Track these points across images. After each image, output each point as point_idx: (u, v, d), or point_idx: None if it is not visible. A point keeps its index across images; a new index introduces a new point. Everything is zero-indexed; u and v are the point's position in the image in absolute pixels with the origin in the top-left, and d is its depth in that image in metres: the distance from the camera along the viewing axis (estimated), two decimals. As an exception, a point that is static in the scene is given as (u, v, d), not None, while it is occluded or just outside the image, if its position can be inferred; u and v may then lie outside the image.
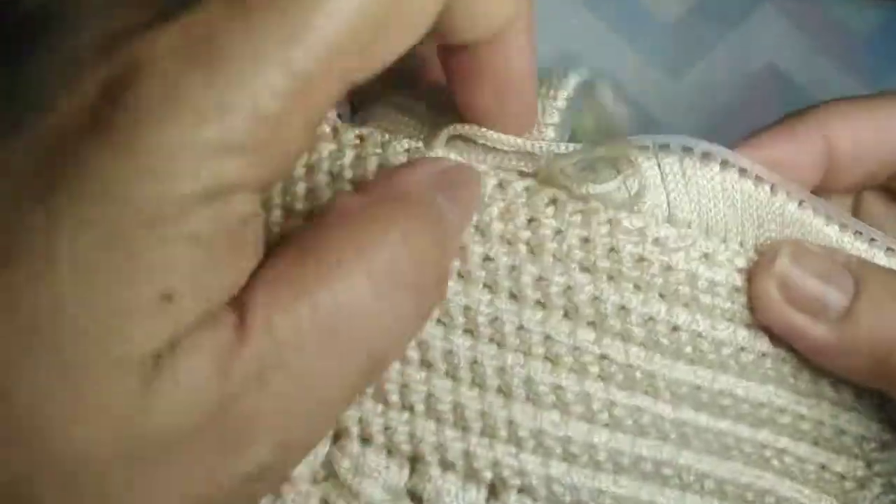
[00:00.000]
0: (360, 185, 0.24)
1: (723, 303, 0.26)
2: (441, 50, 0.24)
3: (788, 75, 0.39)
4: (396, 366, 0.25)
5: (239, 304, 0.18)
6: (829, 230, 0.27)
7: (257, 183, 0.19)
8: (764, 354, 0.27)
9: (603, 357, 0.26)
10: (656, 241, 0.25)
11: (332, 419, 0.23)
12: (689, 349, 0.26)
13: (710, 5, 0.40)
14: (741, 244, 0.26)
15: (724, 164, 0.26)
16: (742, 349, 0.26)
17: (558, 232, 0.25)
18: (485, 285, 0.25)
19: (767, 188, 0.26)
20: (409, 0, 0.19)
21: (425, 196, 0.22)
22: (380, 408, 0.25)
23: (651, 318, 0.25)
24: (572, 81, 0.27)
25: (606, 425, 0.26)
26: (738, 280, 0.26)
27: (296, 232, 0.21)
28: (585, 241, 0.25)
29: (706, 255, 0.26)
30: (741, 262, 0.26)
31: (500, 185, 0.25)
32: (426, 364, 0.25)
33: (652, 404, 0.26)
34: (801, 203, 0.27)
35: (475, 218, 0.25)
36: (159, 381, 0.17)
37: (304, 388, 0.19)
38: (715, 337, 0.26)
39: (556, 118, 0.26)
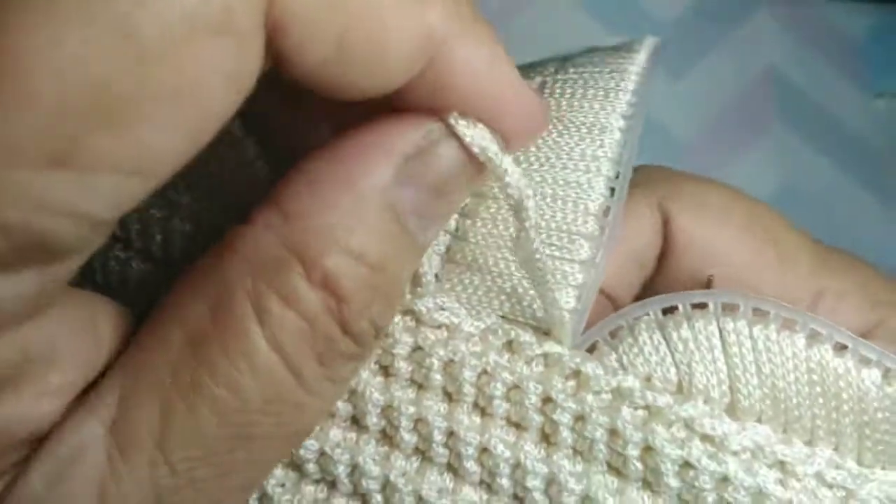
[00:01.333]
0: (274, 195, 0.16)
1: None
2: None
3: (786, 76, 0.39)
4: None
5: (110, 418, 0.15)
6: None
7: None
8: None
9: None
10: (709, 440, 0.18)
11: (248, 496, 0.19)
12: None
13: (708, 7, 0.40)
14: (836, 450, 0.19)
15: (814, 335, 0.19)
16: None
17: (579, 419, 0.19)
18: (482, 483, 0.19)
19: (878, 373, 0.19)
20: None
21: (376, 220, 0.16)
22: None
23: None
24: (603, 182, 0.20)
25: None
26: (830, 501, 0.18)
27: (181, 291, 0.16)
28: (613, 433, 0.19)
29: (782, 466, 0.19)
30: (836, 481, 0.18)
31: (510, 349, 0.19)
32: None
33: None
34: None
35: (472, 392, 0.19)
36: None
37: (210, 495, 0.16)
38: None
39: (590, 226, 0.20)
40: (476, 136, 0.16)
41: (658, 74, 0.38)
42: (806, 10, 0.39)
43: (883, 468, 0.19)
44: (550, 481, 0.19)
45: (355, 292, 0.16)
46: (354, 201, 0.16)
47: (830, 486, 0.18)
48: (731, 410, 0.19)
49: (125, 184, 0.13)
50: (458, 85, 0.16)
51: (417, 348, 0.19)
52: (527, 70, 0.22)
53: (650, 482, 0.19)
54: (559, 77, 0.21)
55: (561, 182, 0.20)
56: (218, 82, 0.13)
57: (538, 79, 0.21)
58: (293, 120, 0.19)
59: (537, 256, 0.18)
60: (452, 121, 0.16)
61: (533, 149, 0.20)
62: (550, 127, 0.20)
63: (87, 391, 0.16)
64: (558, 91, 0.21)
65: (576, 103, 0.21)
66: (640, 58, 0.22)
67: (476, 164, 0.17)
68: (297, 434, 0.17)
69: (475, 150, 0.16)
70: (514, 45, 0.19)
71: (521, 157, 0.20)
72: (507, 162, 0.17)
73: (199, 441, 0.15)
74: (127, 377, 0.16)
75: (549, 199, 0.20)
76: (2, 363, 0.14)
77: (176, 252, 0.19)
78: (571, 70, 0.21)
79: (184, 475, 0.15)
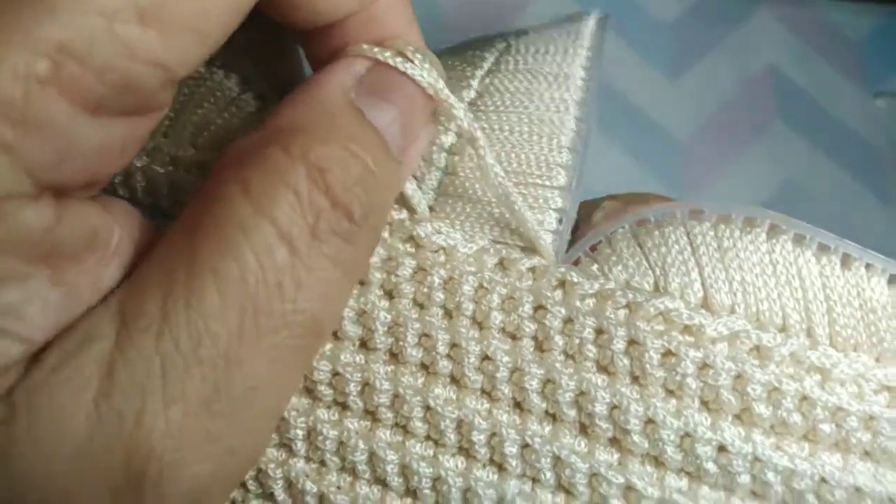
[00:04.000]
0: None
1: (789, 416, 0.20)
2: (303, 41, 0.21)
3: (786, 76, 0.39)
4: (370, 492, 0.20)
5: (120, 302, 0.16)
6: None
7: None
8: (859, 490, 0.20)
9: (629, 488, 0.20)
10: (688, 331, 0.20)
11: (277, 411, 0.19)
12: (745, 478, 0.20)
13: (708, 7, 0.40)
14: (808, 334, 0.20)
15: (774, 230, 0.21)
16: (824, 481, 0.20)
17: (568, 321, 0.20)
18: (483, 392, 0.20)
19: (836, 261, 0.20)
20: None
21: (339, 115, 0.18)
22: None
23: (688, 435, 0.20)
24: (573, 113, 0.22)
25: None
26: (810, 386, 0.20)
27: (186, 204, 0.17)
28: (600, 332, 0.20)
29: (758, 350, 0.20)
30: (810, 360, 0.20)
31: (502, 266, 0.21)
32: (410, 493, 0.20)
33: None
34: (885, 274, 0.20)
35: (471, 307, 0.20)
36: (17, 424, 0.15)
37: (230, 388, 0.16)
38: (778, 464, 0.19)
39: (561, 178, 0.22)
40: (426, 72, 0.19)
41: (657, 74, 0.40)
42: (806, 10, 0.40)
43: (855, 351, 0.20)
44: (546, 381, 0.20)
45: (334, 164, 0.17)
46: (321, 100, 0.18)
47: (806, 367, 0.20)
48: (706, 306, 0.20)
49: (191, 41, 0.16)
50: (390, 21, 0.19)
51: (419, 269, 0.21)
52: (489, 39, 0.25)
53: (637, 376, 0.20)
54: (521, 39, 0.24)
55: (536, 121, 0.22)
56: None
57: (502, 43, 0.24)
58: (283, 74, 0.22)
59: (498, 181, 0.20)
60: (408, 54, 0.19)
61: (507, 94, 0.23)
62: (521, 76, 0.23)
63: None
64: (523, 48, 0.24)
65: (540, 57, 0.24)
66: (591, 22, 0.24)
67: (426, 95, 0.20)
68: (308, 323, 0.17)
69: (424, 84, 0.19)
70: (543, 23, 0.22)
71: (499, 100, 0.23)
72: (452, 98, 0.20)
73: (201, 315, 0.16)
74: (134, 272, 0.17)
75: (526, 136, 0.22)
76: (77, 233, 0.16)
77: (162, 195, 0.22)
78: (532, 34, 0.24)
79: (189, 353, 0.16)
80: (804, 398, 0.20)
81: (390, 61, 0.19)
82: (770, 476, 0.19)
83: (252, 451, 0.18)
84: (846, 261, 0.20)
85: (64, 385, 0.15)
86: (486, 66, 0.24)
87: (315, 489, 0.21)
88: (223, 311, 0.16)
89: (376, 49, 0.19)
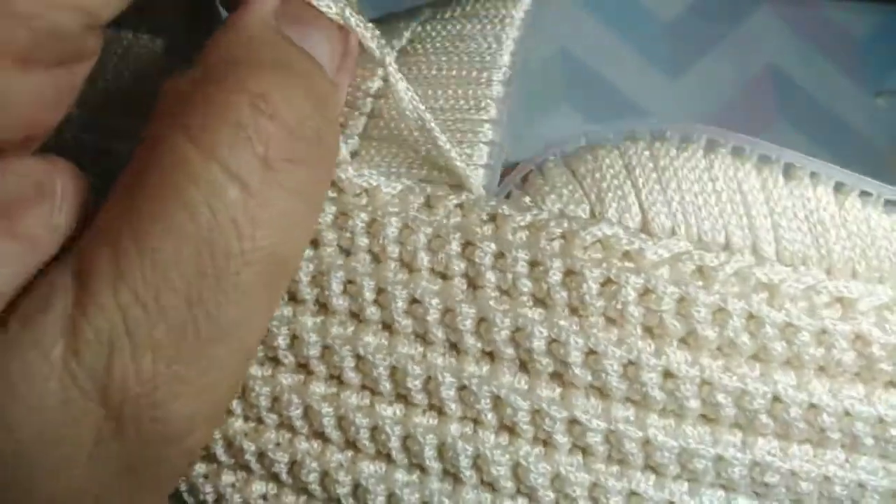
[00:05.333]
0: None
1: (737, 336, 0.19)
2: None
3: (787, 75, 0.39)
4: (310, 446, 0.20)
5: (74, 262, 0.16)
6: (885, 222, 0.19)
7: None
8: (815, 406, 0.19)
9: (573, 422, 0.19)
10: (627, 256, 0.19)
11: (250, 347, 0.18)
12: (694, 403, 0.19)
13: (709, 5, 0.40)
14: (754, 251, 0.19)
15: (712, 145, 0.20)
16: (777, 400, 0.19)
17: (500, 256, 0.19)
18: (416, 336, 0.20)
19: (778, 171, 0.19)
20: None
21: (268, 42, 0.17)
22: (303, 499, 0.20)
23: (632, 363, 0.19)
24: (507, 50, 0.21)
25: (596, 516, 0.19)
26: (757, 303, 0.19)
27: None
28: (534, 265, 0.19)
29: (701, 271, 0.19)
30: (756, 277, 0.19)
31: (428, 204, 0.20)
32: (350, 445, 0.20)
33: (644, 481, 0.19)
34: (837, 186, 0.19)
35: (396, 250, 0.20)
36: None
37: (197, 332, 0.16)
38: (728, 385, 0.19)
39: (492, 111, 0.21)
40: (333, 2, 0.18)
41: (658, 72, 0.39)
42: (807, 9, 0.40)
43: (804, 265, 0.19)
44: (480, 320, 0.19)
45: (275, 88, 0.16)
46: (246, 32, 0.18)
47: (752, 285, 0.19)
48: (646, 231, 0.19)
49: None
50: None
51: (341, 214, 0.20)
52: (414, 11, 0.24)
53: (575, 307, 0.19)
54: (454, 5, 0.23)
55: (466, 59, 0.21)
56: None
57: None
58: None
59: (413, 107, 0.19)
60: None
61: (439, 38, 0.22)
62: (455, 21, 0.22)
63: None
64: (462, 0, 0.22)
65: (478, 4, 0.23)
66: None
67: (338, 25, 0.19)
68: (270, 258, 0.17)
69: (332, 15, 0.18)
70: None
71: (430, 45, 0.22)
72: (363, 26, 0.19)
73: (155, 262, 0.15)
74: (86, 230, 0.17)
75: (455, 73, 0.21)
76: (23, 184, 0.16)
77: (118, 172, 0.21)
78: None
79: (151, 303, 0.15)
80: (751, 317, 0.19)
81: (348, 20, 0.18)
82: (720, 398, 0.19)
83: (228, 388, 0.18)
84: (790, 171, 0.19)
85: (30, 348, 0.15)
86: (420, 17, 0.23)
87: (254, 447, 0.20)
88: (177, 259, 0.16)
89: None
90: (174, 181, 0.16)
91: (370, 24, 0.19)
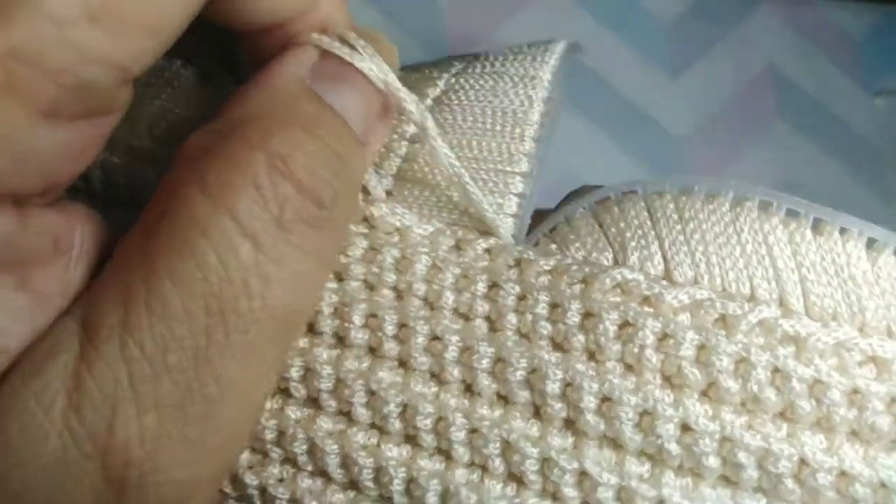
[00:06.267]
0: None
1: (761, 390, 0.18)
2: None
3: (786, 75, 0.39)
4: (312, 484, 0.19)
5: (83, 314, 0.16)
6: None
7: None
8: (845, 473, 0.18)
9: (584, 474, 0.18)
10: (647, 301, 0.18)
11: (256, 407, 0.18)
12: (713, 461, 0.18)
13: (708, 6, 0.40)
14: (781, 304, 0.18)
15: (738, 199, 0.19)
16: (805, 464, 0.18)
17: (522, 298, 0.19)
18: (431, 376, 0.19)
19: (806, 225, 0.19)
20: None
21: (296, 98, 0.17)
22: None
23: (647, 413, 0.18)
24: (538, 109, 0.22)
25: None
26: (783, 356, 0.18)
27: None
28: (554, 308, 0.19)
29: (724, 320, 0.18)
30: (783, 329, 0.18)
31: (458, 247, 0.20)
32: (353, 485, 0.19)
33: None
34: (869, 242, 0.19)
35: (423, 287, 0.20)
36: None
37: (203, 390, 0.16)
38: (751, 444, 0.18)
39: (523, 165, 0.21)
40: (371, 61, 0.19)
41: (658, 73, 0.40)
42: (806, 9, 0.41)
43: (835, 321, 0.18)
44: (497, 360, 0.19)
45: (296, 149, 0.16)
46: (276, 87, 0.18)
47: (778, 337, 0.18)
48: (668, 280, 0.19)
49: (144, 40, 0.15)
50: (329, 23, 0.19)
51: (371, 249, 0.20)
52: (458, 56, 0.25)
53: (593, 351, 0.18)
54: (491, 51, 0.24)
55: (500, 113, 0.22)
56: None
57: (471, 56, 0.24)
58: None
59: (449, 162, 0.20)
60: (351, 41, 0.19)
61: (472, 91, 0.23)
62: (487, 77, 0.23)
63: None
64: (492, 56, 0.23)
65: (507, 62, 0.23)
66: (561, 43, 0.24)
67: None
68: (278, 316, 0.17)
69: (370, 73, 0.19)
70: (514, 43, 0.22)
71: (463, 96, 0.22)
72: (403, 90, 0.19)
73: (164, 318, 0.15)
74: (95, 280, 0.17)
75: (489, 126, 0.22)
76: (40, 239, 0.16)
77: (143, 195, 0.22)
78: (504, 48, 0.24)
79: (157, 360, 0.15)
80: (777, 370, 0.18)
81: (337, 51, 0.19)
82: (742, 458, 0.17)
83: (232, 450, 0.18)
84: (818, 226, 0.19)
85: (31, 401, 0.15)
86: (453, 69, 0.24)
87: (256, 481, 0.19)
88: (187, 314, 0.15)
89: (325, 38, 0.19)
90: (187, 235, 0.16)
91: (409, 93, 0.20)
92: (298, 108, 0.17)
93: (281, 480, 0.19)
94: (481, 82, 0.22)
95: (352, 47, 0.19)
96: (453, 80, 0.22)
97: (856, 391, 0.18)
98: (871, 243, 0.19)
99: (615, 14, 0.40)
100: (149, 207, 0.17)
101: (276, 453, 0.19)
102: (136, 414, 0.15)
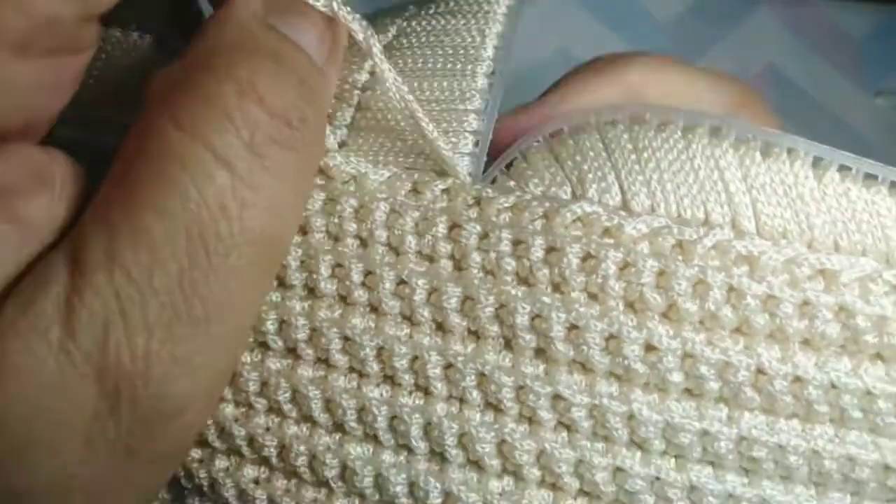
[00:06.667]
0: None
1: (718, 308, 0.19)
2: None
3: (786, 76, 0.39)
4: (299, 430, 0.20)
5: (70, 249, 0.16)
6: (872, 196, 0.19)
7: None
8: (800, 378, 0.19)
9: (557, 397, 0.19)
10: (607, 232, 0.19)
11: (244, 326, 0.19)
12: (677, 376, 0.19)
13: (708, 6, 0.40)
14: (734, 226, 0.19)
15: (690, 128, 0.20)
16: (761, 372, 0.19)
17: (484, 237, 0.20)
18: (403, 318, 0.20)
19: (755, 148, 0.20)
20: None
21: (255, 31, 0.18)
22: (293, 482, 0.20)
23: (613, 337, 0.19)
24: (491, 44, 0.22)
25: (583, 492, 0.19)
26: (737, 276, 0.19)
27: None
28: (517, 244, 0.19)
29: (681, 246, 0.19)
30: (736, 250, 0.19)
31: (415, 190, 0.20)
32: (338, 428, 0.20)
33: (629, 456, 0.19)
34: (815, 162, 0.20)
35: (384, 234, 0.20)
36: None
37: (190, 312, 0.16)
38: (710, 358, 0.19)
39: (476, 102, 0.21)
40: None
41: None
42: (806, 9, 0.41)
43: (785, 238, 0.19)
44: (466, 298, 0.19)
45: (263, 75, 0.17)
46: (235, 22, 0.18)
47: (733, 258, 0.19)
48: (626, 210, 0.20)
49: None
50: None
51: (329, 200, 0.20)
52: (399, 9, 0.24)
53: (557, 283, 0.19)
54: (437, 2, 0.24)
55: (451, 52, 0.22)
56: None
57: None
58: None
59: (401, 96, 0.20)
60: None
61: (424, 33, 0.23)
62: (440, 16, 0.23)
63: None
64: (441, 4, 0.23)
65: (457, 4, 0.24)
66: None
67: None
68: (259, 239, 0.17)
69: (322, 6, 0.19)
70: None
71: (415, 39, 0.22)
72: (349, 15, 0.19)
73: (147, 244, 0.16)
74: (80, 219, 0.17)
75: (440, 66, 0.22)
76: (23, 171, 0.17)
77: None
78: None
79: (144, 283, 0.16)
80: (732, 289, 0.19)
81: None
82: (703, 371, 0.19)
83: (224, 367, 0.18)
84: (767, 149, 0.20)
85: (27, 330, 0.16)
86: (407, 13, 0.24)
87: (244, 432, 0.20)
88: (168, 241, 0.16)
89: None
90: (164, 167, 0.16)
91: (358, 16, 0.20)
92: (259, 40, 0.18)
93: (268, 429, 0.20)
94: (433, 23, 0.22)
95: None
96: (405, 24, 0.22)
97: (806, 303, 0.19)
98: (816, 162, 0.20)
99: (615, 14, 0.40)
100: (123, 146, 0.17)
101: (260, 404, 0.20)
102: (127, 335, 0.16)
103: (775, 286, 0.19)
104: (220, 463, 0.20)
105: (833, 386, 0.19)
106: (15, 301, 0.16)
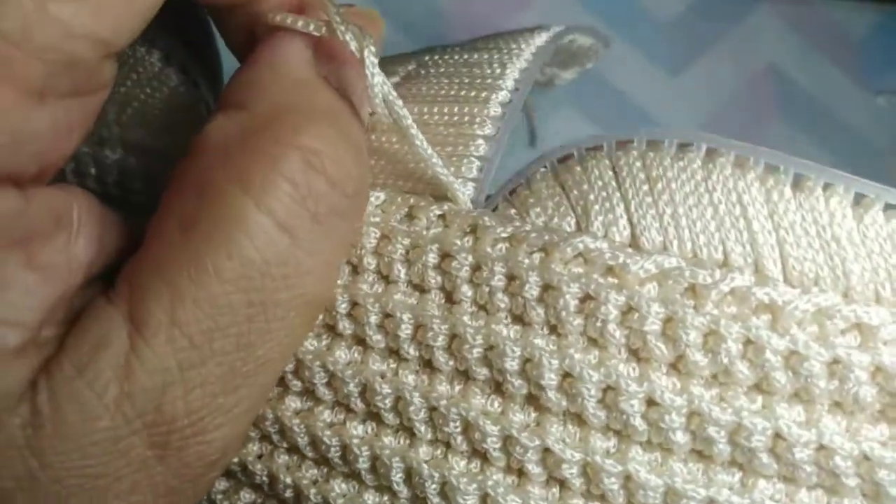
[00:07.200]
0: (224, 99, 0.18)
1: (732, 363, 0.17)
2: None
3: (787, 75, 0.38)
4: (289, 460, 0.19)
5: (126, 306, 0.16)
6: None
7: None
8: (825, 447, 0.17)
9: (546, 450, 0.17)
10: (610, 272, 0.17)
11: (279, 371, 0.19)
12: (682, 436, 0.17)
13: (708, 4, 0.39)
14: (756, 270, 0.17)
15: (711, 156, 0.18)
16: (780, 437, 0.17)
17: (477, 269, 0.18)
18: (390, 353, 0.19)
19: (785, 182, 0.17)
20: None
21: (312, 87, 0.18)
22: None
23: (610, 388, 0.17)
24: (511, 76, 0.20)
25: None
26: (755, 327, 0.17)
27: (170, 189, 0.17)
28: (512, 279, 0.18)
29: (693, 290, 0.17)
30: (757, 298, 0.17)
31: (410, 215, 0.19)
32: (325, 462, 0.19)
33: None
34: (855, 199, 0.17)
35: (374, 261, 0.19)
36: (44, 428, 0.16)
37: (244, 368, 0.17)
38: (720, 418, 0.17)
39: (487, 128, 0.20)
40: (351, 36, 0.18)
41: (657, 72, 0.39)
42: (807, 8, 0.40)
43: (816, 286, 0.17)
44: (453, 336, 0.18)
45: (325, 144, 0.17)
46: (293, 78, 0.18)
47: (753, 306, 0.17)
48: (634, 246, 0.18)
49: (125, 13, 0.16)
50: None
51: None
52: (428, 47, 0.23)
53: (554, 325, 0.18)
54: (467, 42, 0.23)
55: (468, 82, 0.21)
56: None
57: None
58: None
59: (401, 115, 0.19)
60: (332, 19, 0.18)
61: (444, 65, 0.21)
62: (463, 52, 0.22)
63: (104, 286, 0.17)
64: (481, 38, 0.22)
65: (488, 40, 0.22)
66: (552, 28, 0.23)
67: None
68: (313, 300, 0.18)
69: (353, 48, 0.18)
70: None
71: (434, 70, 0.21)
72: (374, 71, 0.18)
73: (210, 311, 0.16)
74: (133, 273, 0.17)
75: (455, 92, 0.21)
76: (42, 215, 0.17)
77: (135, 187, 0.21)
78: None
79: (204, 347, 0.16)
80: (749, 342, 0.17)
81: (330, 31, 0.18)
82: (712, 432, 0.17)
83: (257, 410, 0.19)
84: (799, 182, 0.17)
85: (84, 391, 0.16)
86: (433, 51, 0.23)
87: (236, 459, 0.20)
88: (231, 307, 0.16)
89: (312, 23, 0.18)
90: (230, 233, 0.16)
91: (352, 26, 0.19)
92: (318, 100, 0.18)
93: (259, 457, 0.20)
94: (455, 56, 0.21)
95: (329, 24, 0.18)
96: (426, 58, 0.22)
97: (836, 361, 0.16)
98: (857, 199, 0.17)
99: (615, 13, 0.39)
100: (179, 196, 0.17)
101: (253, 432, 0.20)
102: (183, 394, 0.16)
103: (800, 340, 0.16)
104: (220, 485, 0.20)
105: (866, 457, 0.16)
106: (73, 359, 0.16)
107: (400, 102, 0.19)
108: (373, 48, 0.18)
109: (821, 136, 0.38)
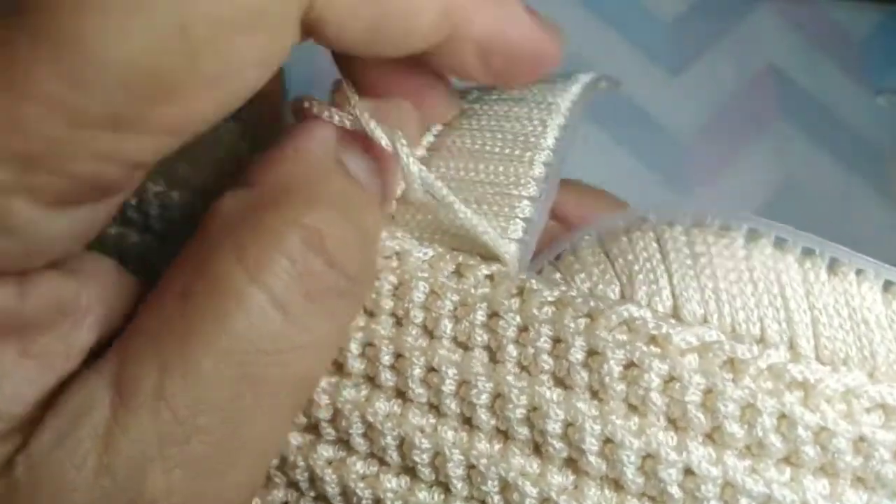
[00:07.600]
0: (243, 175, 0.18)
1: (766, 436, 0.17)
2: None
3: (787, 74, 0.38)
4: None
5: (112, 375, 0.16)
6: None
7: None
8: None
9: (586, 511, 0.18)
10: (653, 341, 0.18)
11: (275, 450, 0.19)
12: None
13: (709, 4, 0.40)
14: (791, 347, 0.18)
15: (753, 234, 0.19)
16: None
17: (524, 330, 0.19)
18: (430, 407, 0.19)
19: (821, 265, 0.18)
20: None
21: (326, 170, 0.18)
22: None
23: (650, 456, 0.18)
24: (552, 134, 0.21)
25: None
26: (790, 403, 0.17)
27: (174, 262, 0.17)
28: (557, 342, 0.18)
29: (732, 364, 0.18)
30: (791, 375, 0.18)
31: (458, 273, 0.19)
32: (352, 515, 0.19)
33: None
34: (885, 286, 0.18)
35: (420, 315, 0.19)
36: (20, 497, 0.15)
37: (230, 446, 0.16)
38: (753, 490, 0.17)
39: (532, 189, 0.20)
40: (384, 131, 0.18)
41: (658, 71, 0.40)
42: (807, 8, 0.40)
43: (845, 366, 0.18)
44: (497, 395, 0.18)
45: (330, 226, 0.17)
46: (309, 159, 0.18)
47: (786, 382, 0.18)
48: (676, 317, 0.18)
49: (167, 140, 0.15)
50: (475, 45, 0.18)
51: None
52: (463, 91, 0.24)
53: (596, 390, 0.18)
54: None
55: (510, 138, 0.21)
56: (251, 67, 0.15)
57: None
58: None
59: (437, 196, 0.19)
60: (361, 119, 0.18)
61: (485, 116, 0.22)
62: (503, 102, 0.22)
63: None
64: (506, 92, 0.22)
65: (526, 89, 0.23)
66: (585, 76, 0.23)
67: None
68: (303, 379, 0.17)
69: (384, 142, 0.18)
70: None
71: (475, 122, 0.22)
72: (408, 157, 0.19)
73: (198, 386, 0.16)
74: (125, 339, 0.17)
75: (498, 150, 0.21)
76: (43, 305, 0.16)
77: (175, 222, 0.21)
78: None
79: (188, 423, 0.16)
80: (783, 416, 0.17)
81: (362, 123, 0.19)
82: (744, 503, 0.17)
83: (251, 484, 0.18)
84: (834, 266, 0.18)
85: (63, 461, 0.15)
86: (469, 97, 0.23)
87: (259, 503, 0.19)
88: (220, 383, 0.16)
89: (342, 115, 0.19)
90: (224, 306, 0.16)
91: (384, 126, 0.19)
92: (331, 184, 0.18)
93: (285, 503, 0.20)
94: (496, 108, 0.22)
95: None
96: (467, 106, 0.22)
97: (862, 439, 0.17)
98: (887, 286, 0.18)
99: (615, 12, 0.39)
100: (181, 269, 0.17)
101: (279, 478, 0.19)
102: (164, 472, 0.16)
103: (829, 417, 0.17)
104: None
105: None
106: (51, 429, 0.16)
107: (440, 184, 0.19)
108: (403, 141, 0.19)
109: (821, 136, 0.38)
